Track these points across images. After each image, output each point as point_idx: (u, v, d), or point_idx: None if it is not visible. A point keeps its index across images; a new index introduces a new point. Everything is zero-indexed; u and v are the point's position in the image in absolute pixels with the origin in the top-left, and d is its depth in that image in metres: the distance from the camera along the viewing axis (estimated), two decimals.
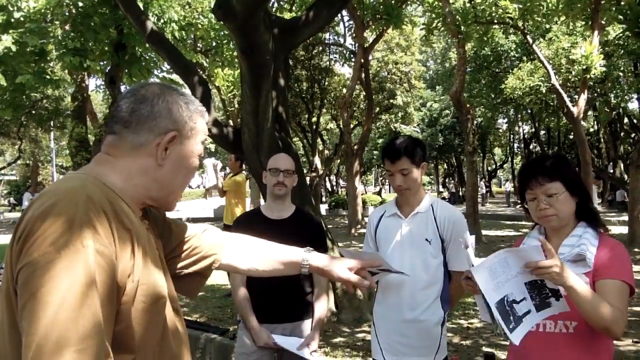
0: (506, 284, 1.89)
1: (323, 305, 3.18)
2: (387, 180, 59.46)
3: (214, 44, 14.76)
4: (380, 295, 2.86)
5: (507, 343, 5.09)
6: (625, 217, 14.47)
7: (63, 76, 14.13)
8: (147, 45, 10.51)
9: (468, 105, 16.33)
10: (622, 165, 29.09)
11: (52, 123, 26.57)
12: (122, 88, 12.68)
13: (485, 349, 5.07)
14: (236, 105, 19.89)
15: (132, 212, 1.28)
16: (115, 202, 1.22)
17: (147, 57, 12.07)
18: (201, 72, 9.76)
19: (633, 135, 29.02)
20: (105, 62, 12.07)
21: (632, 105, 30.92)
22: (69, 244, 1.05)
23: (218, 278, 8.54)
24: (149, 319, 1.22)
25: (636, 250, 12.12)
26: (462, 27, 13.71)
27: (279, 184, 3.11)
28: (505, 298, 1.90)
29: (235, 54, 14.32)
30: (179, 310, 1.41)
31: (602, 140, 31.58)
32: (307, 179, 13.53)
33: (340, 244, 6.45)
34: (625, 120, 30.17)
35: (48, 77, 11.70)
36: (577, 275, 1.92)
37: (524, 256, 1.87)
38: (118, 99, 1.36)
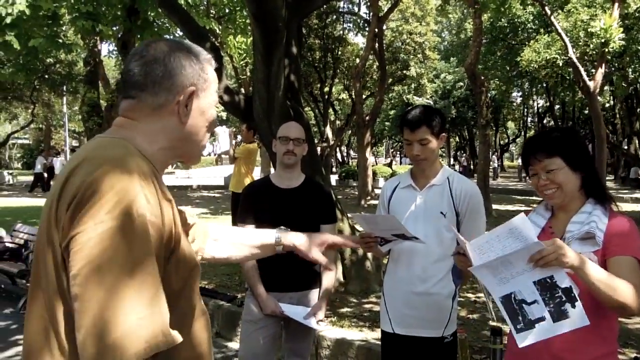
0: (512, 280, 1.80)
1: (331, 276, 3.18)
2: (398, 152, 59.41)
3: (227, 10, 14.58)
4: (391, 267, 2.84)
5: None
6: (639, 195, 14.32)
7: (76, 40, 14.02)
8: (160, 10, 10.38)
9: (482, 78, 16.11)
10: (637, 141, 28.73)
11: (64, 88, 26.61)
12: None
13: (492, 323, 5.08)
14: (248, 74, 19.75)
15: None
16: (155, 172, 1.23)
17: (160, 23, 11.96)
18: (213, 40, 9.66)
19: None
20: (117, 27, 11.98)
21: None
22: (125, 214, 1.06)
23: None
24: (186, 287, 1.26)
25: None
26: None
27: (289, 153, 3.08)
28: (513, 295, 1.81)
29: (248, 21, 14.15)
30: None
31: (617, 115, 31.15)
32: (318, 149, 13.50)
33: (349, 215, 6.45)
34: None
35: (61, 41, 11.64)
36: (585, 255, 1.87)
37: (525, 255, 1.75)
38: (126, 62, 1.33)
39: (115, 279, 1.01)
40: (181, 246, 1.23)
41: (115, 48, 14.88)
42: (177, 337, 1.10)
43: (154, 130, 1.29)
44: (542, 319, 1.78)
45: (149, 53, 1.30)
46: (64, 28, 12.82)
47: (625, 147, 28.62)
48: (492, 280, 1.83)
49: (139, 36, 11.55)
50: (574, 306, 1.76)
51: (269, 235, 1.83)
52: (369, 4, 17.33)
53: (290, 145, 3.08)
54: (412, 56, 27.27)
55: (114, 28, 12.01)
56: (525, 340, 1.81)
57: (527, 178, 2.17)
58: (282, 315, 3.01)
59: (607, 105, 31.96)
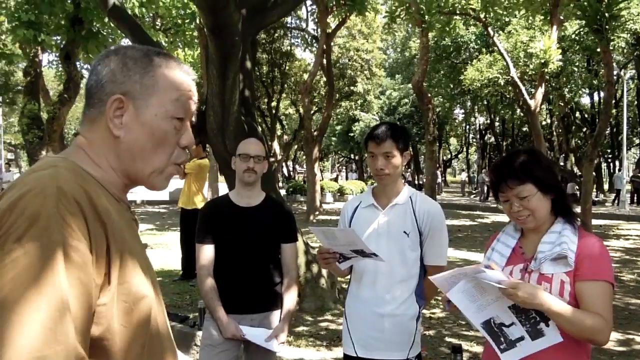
0: (488, 307, 1.94)
1: (292, 297, 3.10)
2: (344, 167, 59.73)
3: (175, 22, 14.38)
4: (354, 288, 2.78)
5: (471, 334, 5.09)
6: (576, 210, 14.90)
7: (14, 50, 13.47)
8: (106, 20, 10.10)
9: (429, 95, 16.44)
10: (573, 158, 29.96)
11: (1, 98, 25.55)
12: (77, 64, 12.21)
13: (448, 339, 5.10)
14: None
15: (115, 200, 1.17)
16: (93, 190, 1.09)
17: (105, 33, 11.64)
18: None
19: (584, 129, 29.89)
20: (60, 37, 11.59)
21: (584, 100, 31.85)
22: (35, 239, 0.94)
23: (172, 262, 8.36)
24: (132, 321, 1.10)
25: None
26: (426, 17, 13.72)
27: (249, 170, 3.00)
28: (492, 320, 1.95)
29: (195, 34, 13.97)
30: (163, 305, 1.28)
31: (554, 133, 32.41)
32: None
33: (308, 228, 6.38)
34: (577, 114, 31.04)
35: None
36: (557, 275, 1.93)
37: (490, 285, 1.88)
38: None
39: (16, 312, 0.90)
40: (122, 272, 1.07)
41: (57, 58, 14.39)
42: None
43: (98, 145, 1.18)
44: (521, 338, 1.93)
45: (93, 65, 1.20)
46: (2, 37, 12.31)
47: (562, 164, 29.73)
48: (470, 307, 1.95)
49: (83, 46, 11.21)
50: (547, 325, 1.91)
51: None
52: (317, 20, 17.44)
53: (251, 163, 3.00)
54: (359, 72, 27.61)
55: (57, 38, 11.63)
56: (511, 358, 1.95)
57: (498, 204, 2.16)
58: (242, 338, 2.91)
59: (545, 123, 33.22)
